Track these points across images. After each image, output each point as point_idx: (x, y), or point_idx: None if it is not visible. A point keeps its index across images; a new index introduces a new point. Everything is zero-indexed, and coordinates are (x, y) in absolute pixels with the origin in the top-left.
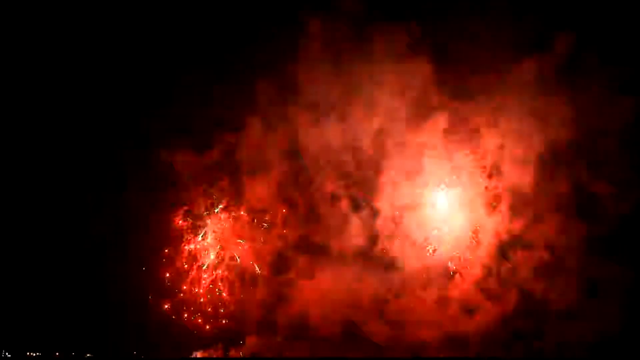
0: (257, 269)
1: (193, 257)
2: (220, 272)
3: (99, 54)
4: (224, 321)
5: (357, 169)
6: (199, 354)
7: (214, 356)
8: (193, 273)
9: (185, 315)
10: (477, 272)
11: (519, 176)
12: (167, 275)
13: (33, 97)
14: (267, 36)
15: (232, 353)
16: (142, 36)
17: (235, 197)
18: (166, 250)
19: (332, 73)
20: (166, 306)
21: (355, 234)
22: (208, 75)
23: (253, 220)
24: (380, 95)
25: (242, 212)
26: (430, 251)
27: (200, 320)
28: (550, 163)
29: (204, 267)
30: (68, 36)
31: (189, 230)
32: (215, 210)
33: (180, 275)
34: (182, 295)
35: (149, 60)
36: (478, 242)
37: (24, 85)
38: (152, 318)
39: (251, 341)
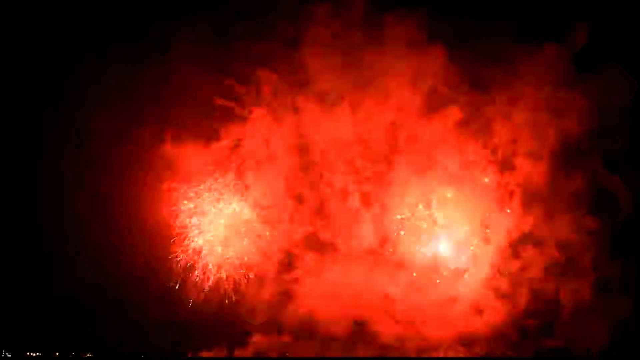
0: (263, 266)
1: (197, 255)
2: (225, 270)
3: (101, 49)
4: (229, 320)
5: (367, 163)
6: (203, 354)
7: (219, 356)
8: (198, 271)
9: (190, 313)
10: (487, 270)
11: (532, 171)
12: (171, 273)
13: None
14: (274, 23)
15: (238, 353)
16: (146, 28)
17: (241, 193)
18: (170, 248)
19: (340, 63)
20: (169, 305)
21: (364, 231)
22: (212, 64)
23: (259, 217)
24: (389, 87)
25: (248, 208)
26: (439, 249)
27: (204, 319)
28: (565, 158)
29: (209, 265)
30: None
31: (194, 227)
32: (221, 207)
33: (185, 273)
34: (186, 293)
35: (150, 51)
36: (488, 240)
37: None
38: (154, 317)
39: (257, 340)
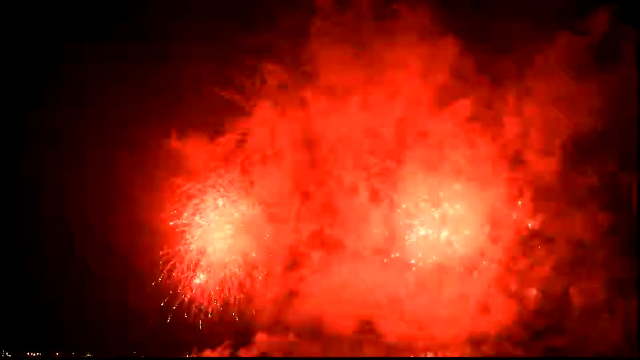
0: (268, 265)
1: (202, 253)
2: (230, 268)
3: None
4: (233, 319)
5: (376, 159)
6: (207, 353)
7: (223, 355)
8: (202, 269)
9: (194, 313)
10: (496, 268)
11: (544, 167)
12: (175, 272)
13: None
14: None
15: (242, 352)
16: (150, 24)
17: (246, 190)
18: (173, 247)
19: (349, 55)
20: (173, 304)
21: (371, 229)
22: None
23: (264, 214)
24: (399, 80)
25: (253, 205)
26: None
27: (209, 318)
28: (578, 153)
29: (213, 264)
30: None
31: (197, 225)
32: (225, 204)
33: (189, 272)
34: (190, 292)
35: (153, 47)
36: (498, 237)
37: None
38: (157, 316)
39: (261, 340)
